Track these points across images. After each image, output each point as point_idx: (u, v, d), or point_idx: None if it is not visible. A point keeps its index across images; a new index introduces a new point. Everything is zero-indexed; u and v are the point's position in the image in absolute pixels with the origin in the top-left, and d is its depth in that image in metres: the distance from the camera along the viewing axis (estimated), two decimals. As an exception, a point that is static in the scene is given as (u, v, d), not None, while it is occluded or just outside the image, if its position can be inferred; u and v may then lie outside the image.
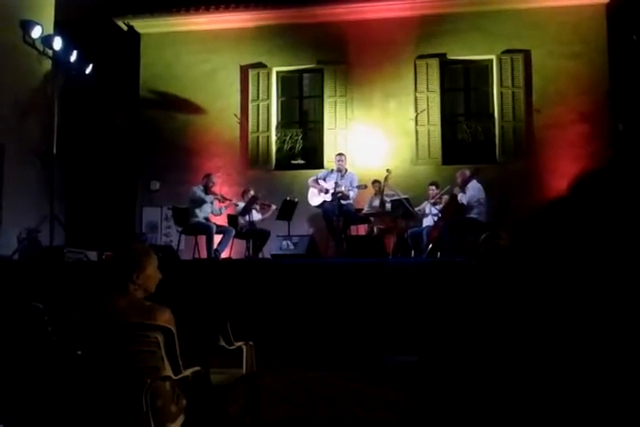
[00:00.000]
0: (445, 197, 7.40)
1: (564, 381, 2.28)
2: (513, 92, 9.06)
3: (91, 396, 2.35)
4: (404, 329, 4.91)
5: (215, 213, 7.68)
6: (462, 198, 6.93)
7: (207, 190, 7.55)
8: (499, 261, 2.49)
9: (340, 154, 7.99)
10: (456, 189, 7.07)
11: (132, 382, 2.30)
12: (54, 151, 8.25)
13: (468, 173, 7.11)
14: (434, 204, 7.54)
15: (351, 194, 7.65)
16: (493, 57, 9.16)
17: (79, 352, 2.47)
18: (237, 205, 8.01)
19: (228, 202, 7.80)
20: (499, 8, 9.01)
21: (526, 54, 9.01)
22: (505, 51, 9.08)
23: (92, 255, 7.08)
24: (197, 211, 7.43)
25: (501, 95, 9.10)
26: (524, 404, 2.24)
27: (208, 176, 7.70)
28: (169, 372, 2.37)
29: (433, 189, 7.68)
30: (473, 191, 6.97)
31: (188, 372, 2.44)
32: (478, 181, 7.11)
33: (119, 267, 2.46)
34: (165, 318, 2.39)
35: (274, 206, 8.10)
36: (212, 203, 7.58)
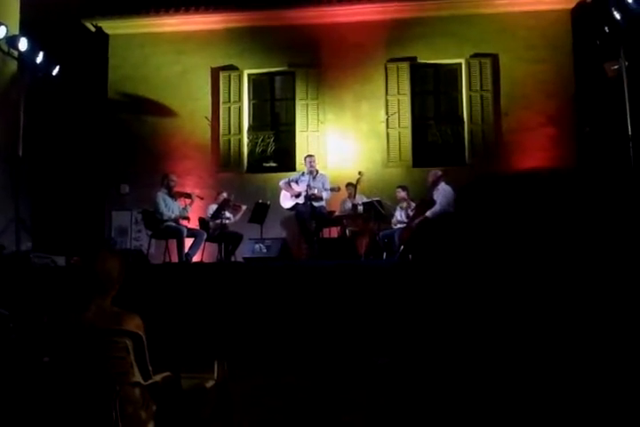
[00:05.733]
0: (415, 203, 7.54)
1: (538, 378, 2.32)
2: (481, 96, 9.19)
3: (59, 403, 2.31)
4: (377, 331, 4.94)
5: (182, 214, 7.52)
6: (437, 198, 7.11)
7: (171, 192, 7.47)
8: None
9: (310, 155, 8.00)
10: (429, 195, 7.24)
11: (101, 389, 2.27)
12: (20, 154, 8.07)
13: (439, 173, 7.35)
14: (401, 208, 7.66)
15: (324, 195, 7.65)
16: (462, 61, 9.28)
17: (46, 359, 2.43)
18: (202, 199, 7.89)
19: (190, 200, 7.66)
20: (467, 12, 9.14)
21: (494, 58, 9.15)
22: (473, 55, 9.20)
23: (60, 260, 6.94)
24: (164, 216, 7.31)
25: (470, 99, 9.22)
26: (509, 402, 2.27)
27: (166, 176, 7.58)
28: (138, 378, 2.34)
29: (399, 192, 7.75)
30: (444, 192, 7.14)
31: (157, 377, 2.42)
32: (447, 184, 7.25)
33: (106, 275, 2.41)
34: (135, 323, 2.37)
35: (244, 206, 8.05)
36: (178, 205, 7.46)
